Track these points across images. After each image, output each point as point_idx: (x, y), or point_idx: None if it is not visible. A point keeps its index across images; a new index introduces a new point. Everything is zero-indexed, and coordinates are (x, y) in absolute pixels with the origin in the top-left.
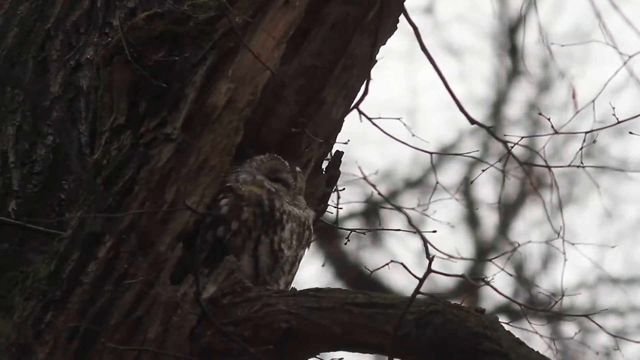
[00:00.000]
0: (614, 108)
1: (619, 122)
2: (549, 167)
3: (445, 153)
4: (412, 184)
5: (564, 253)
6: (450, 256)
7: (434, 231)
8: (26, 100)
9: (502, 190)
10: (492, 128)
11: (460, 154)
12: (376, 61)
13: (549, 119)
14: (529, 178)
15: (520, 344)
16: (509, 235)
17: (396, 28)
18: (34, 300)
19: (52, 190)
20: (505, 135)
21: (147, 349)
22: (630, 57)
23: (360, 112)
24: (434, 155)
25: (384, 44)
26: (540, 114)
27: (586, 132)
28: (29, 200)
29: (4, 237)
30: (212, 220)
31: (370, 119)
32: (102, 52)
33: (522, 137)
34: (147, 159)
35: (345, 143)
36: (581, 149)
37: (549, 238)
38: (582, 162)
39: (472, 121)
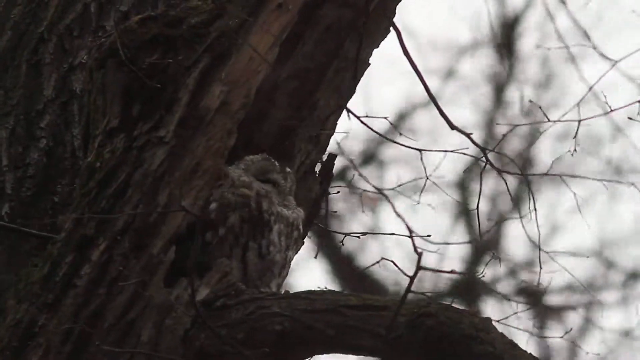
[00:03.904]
0: (607, 104)
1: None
2: (524, 174)
3: (434, 150)
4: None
5: (540, 262)
6: (438, 249)
7: (429, 235)
8: (19, 104)
9: (479, 195)
10: (471, 134)
11: (450, 151)
12: (369, 64)
13: (540, 107)
14: (506, 185)
15: (514, 345)
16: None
17: (389, 31)
18: (27, 303)
19: (46, 193)
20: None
21: (141, 351)
22: (616, 62)
23: (349, 111)
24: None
25: (377, 47)
26: (530, 101)
27: (579, 121)
28: (23, 203)
29: None
30: (203, 224)
31: (358, 117)
32: (95, 55)
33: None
34: (141, 162)
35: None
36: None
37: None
38: (575, 149)
39: (452, 126)
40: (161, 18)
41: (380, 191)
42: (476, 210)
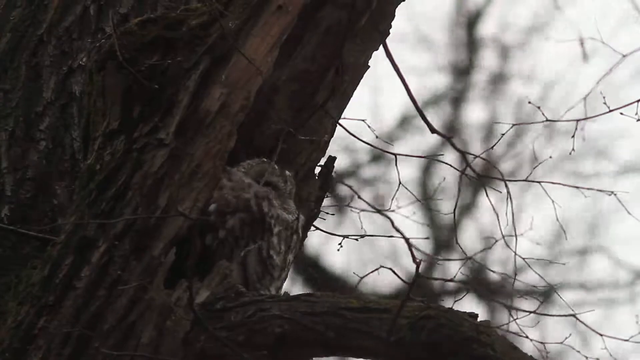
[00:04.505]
0: (606, 104)
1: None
2: (504, 180)
3: (409, 155)
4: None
5: (515, 271)
6: (436, 257)
7: (427, 238)
8: (19, 106)
9: (458, 198)
10: (452, 138)
11: (425, 157)
12: (369, 66)
13: (538, 107)
14: (485, 191)
15: (514, 348)
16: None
17: (388, 33)
18: (27, 305)
19: (45, 195)
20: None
21: (141, 354)
22: (624, 56)
23: (327, 112)
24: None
25: (377, 49)
26: (529, 102)
27: (577, 120)
28: (22, 205)
29: None
30: (203, 227)
31: (335, 119)
32: (95, 57)
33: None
34: (141, 164)
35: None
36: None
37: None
38: (574, 149)
39: (432, 130)
40: (161, 20)
41: (378, 210)
42: (453, 214)
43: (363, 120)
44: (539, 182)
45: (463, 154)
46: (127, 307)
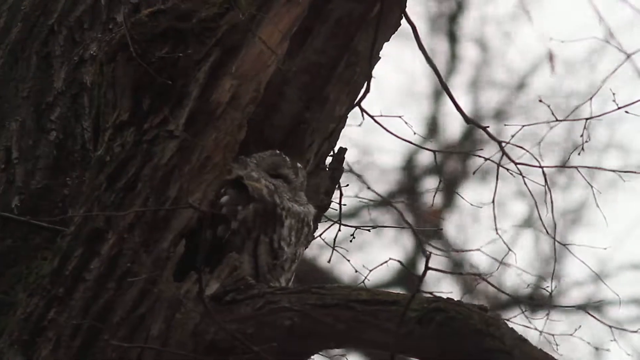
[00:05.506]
0: (615, 101)
1: (619, 108)
2: (541, 167)
3: (448, 151)
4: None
5: (555, 255)
6: (447, 251)
7: (440, 229)
8: (30, 96)
9: (496, 188)
10: (487, 127)
11: (464, 152)
12: (379, 58)
13: (549, 106)
14: (523, 179)
15: (524, 341)
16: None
17: (400, 24)
18: (37, 296)
19: (56, 186)
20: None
21: (150, 346)
22: (629, 55)
23: (362, 110)
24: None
25: (388, 40)
26: (540, 100)
27: (587, 119)
28: (33, 196)
29: (8, 233)
30: (214, 219)
31: (372, 117)
32: (105, 48)
33: (519, 129)
34: (151, 155)
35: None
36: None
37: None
38: (582, 149)
39: (467, 120)
40: (171, 11)
41: (386, 199)
42: (492, 205)
43: (400, 117)
44: (576, 167)
45: (499, 143)
46: (136, 300)
